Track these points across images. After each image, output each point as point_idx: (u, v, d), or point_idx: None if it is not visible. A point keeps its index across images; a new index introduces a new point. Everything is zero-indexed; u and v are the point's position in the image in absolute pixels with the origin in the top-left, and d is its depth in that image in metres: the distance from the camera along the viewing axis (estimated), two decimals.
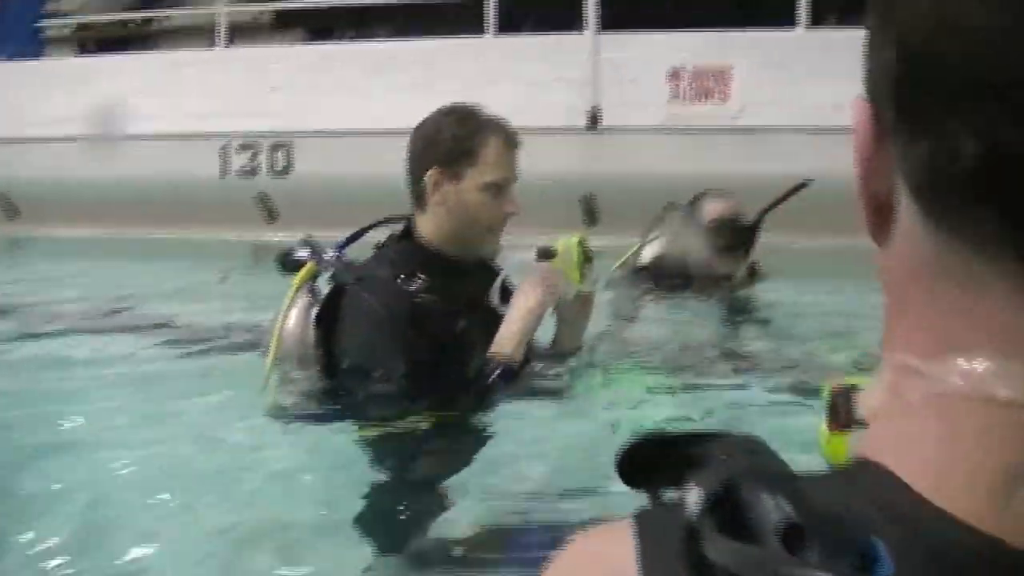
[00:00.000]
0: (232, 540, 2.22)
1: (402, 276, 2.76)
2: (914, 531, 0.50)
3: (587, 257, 2.98)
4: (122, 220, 7.63)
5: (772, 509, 0.49)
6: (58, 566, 2.07)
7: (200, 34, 9.30)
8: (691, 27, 7.18)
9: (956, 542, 0.50)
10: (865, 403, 0.61)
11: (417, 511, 2.38)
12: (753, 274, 4.62)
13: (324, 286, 2.91)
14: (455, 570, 2.12)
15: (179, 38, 9.73)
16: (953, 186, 0.53)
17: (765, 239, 4.50)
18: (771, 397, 3.14)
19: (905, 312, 0.59)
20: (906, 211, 0.57)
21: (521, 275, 2.90)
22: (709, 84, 7.27)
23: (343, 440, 2.74)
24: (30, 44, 9.67)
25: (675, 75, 7.29)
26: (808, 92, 6.92)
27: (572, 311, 3.03)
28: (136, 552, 2.17)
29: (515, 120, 2.89)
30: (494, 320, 2.79)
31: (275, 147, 7.88)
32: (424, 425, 2.70)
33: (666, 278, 4.53)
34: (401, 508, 2.41)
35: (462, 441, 2.71)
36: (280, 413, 2.85)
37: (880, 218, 0.59)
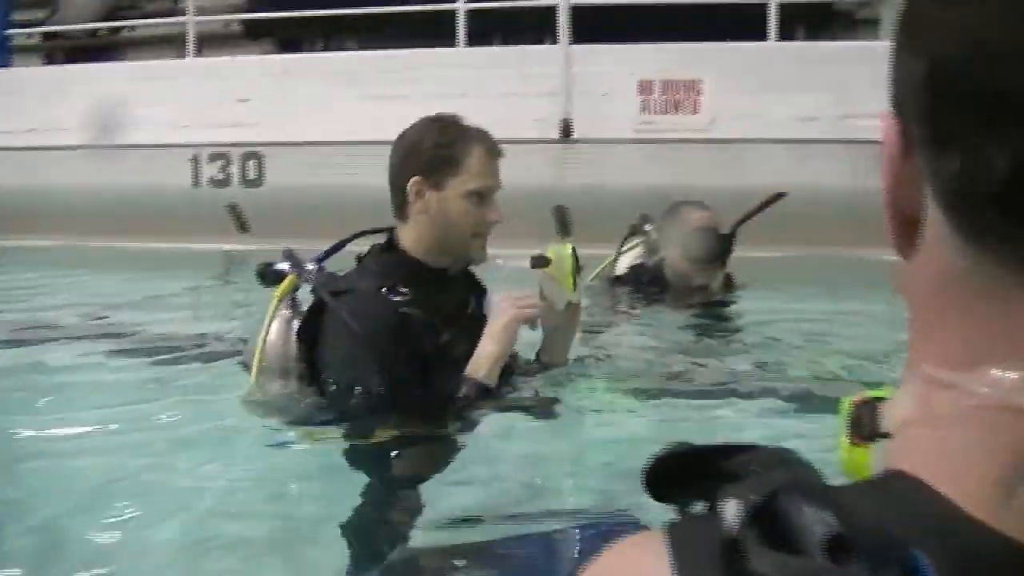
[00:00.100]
0: (203, 549, 2.22)
1: (385, 288, 2.76)
2: (952, 542, 0.51)
3: (578, 266, 3.00)
4: (93, 230, 7.56)
5: (815, 521, 0.49)
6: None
7: (169, 44, 9.25)
8: (661, 40, 7.21)
9: (994, 552, 0.51)
10: (891, 415, 0.61)
11: (394, 523, 2.38)
12: (729, 284, 4.64)
13: (304, 298, 2.92)
14: None
15: (148, 48, 9.67)
16: (984, 201, 0.53)
17: (740, 250, 4.53)
18: (748, 406, 3.16)
19: (933, 325, 0.59)
20: (934, 224, 0.58)
21: (514, 283, 2.92)
22: (679, 96, 7.30)
23: (324, 452, 2.74)
24: None
25: (646, 87, 7.32)
26: (778, 104, 6.98)
27: (561, 321, 3.04)
28: (102, 561, 2.16)
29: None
30: (478, 331, 2.80)
31: (247, 157, 7.84)
32: (404, 439, 2.71)
33: (642, 288, 4.55)
34: (378, 520, 2.41)
35: (440, 455, 2.70)
36: (262, 424, 2.84)
37: (906, 231, 0.60)
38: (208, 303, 6.19)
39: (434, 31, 7.83)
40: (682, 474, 0.59)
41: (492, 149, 2.85)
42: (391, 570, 2.18)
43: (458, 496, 2.48)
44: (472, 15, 7.71)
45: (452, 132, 2.82)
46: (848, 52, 7.34)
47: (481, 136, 2.85)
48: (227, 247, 7.56)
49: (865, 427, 0.64)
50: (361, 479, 2.58)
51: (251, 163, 7.86)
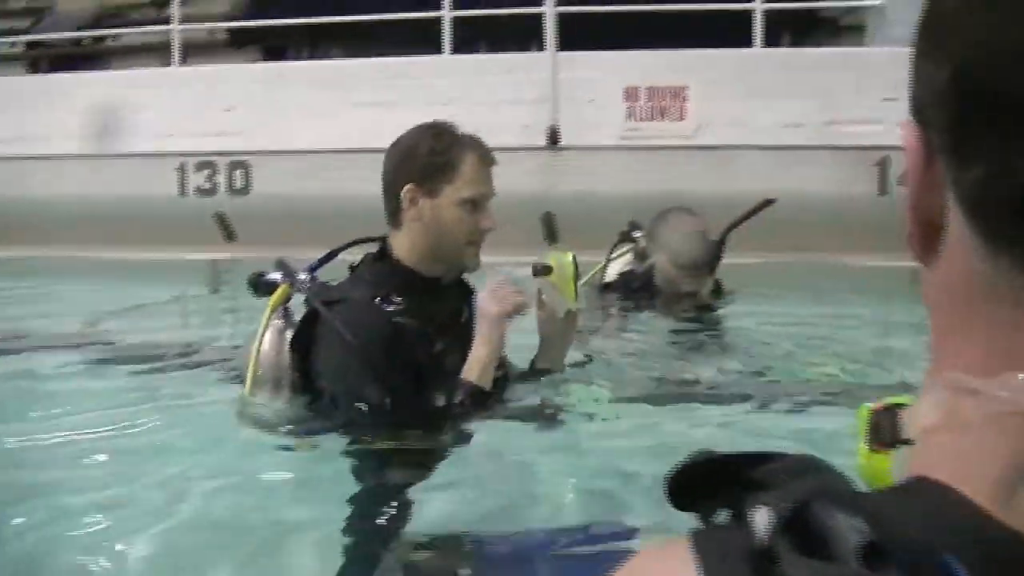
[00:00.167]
0: (189, 558, 2.22)
1: (378, 298, 2.76)
2: (984, 548, 0.51)
3: (577, 274, 3.01)
4: (79, 240, 7.54)
5: (848, 528, 0.49)
6: None
7: (154, 53, 9.23)
8: (648, 46, 7.24)
9: None
10: (913, 422, 0.61)
11: (384, 533, 2.38)
12: (718, 290, 4.66)
13: (297, 308, 2.92)
14: None
15: (133, 57, 9.65)
16: (1007, 208, 0.54)
17: (728, 256, 4.54)
18: (740, 411, 3.17)
19: (956, 331, 0.59)
20: (956, 231, 0.57)
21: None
22: (665, 103, 7.33)
23: (315, 461, 2.74)
24: None
25: (632, 94, 7.34)
26: (763, 111, 7.01)
27: (559, 329, 3.05)
28: (86, 568, 2.16)
29: None
30: (471, 339, 2.80)
31: (233, 166, 7.83)
32: (397, 448, 2.71)
33: (631, 295, 4.56)
34: (368, 530, 2.41)
35: (433, 465, 2.70)
36: (254, 433, 2.84)
37: (929, 237, 0.60)
38: (195, 311, 6.18)
39: (420, 38, 7.85)
40: (705, 482, 0.59)
41: (486, 157, 2.85)
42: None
43: (451, 506, 2.48)
44: (457, 22, 7.73)
45: (446, 139, 2.82)
46: (833, 59, 7.39)
47: (475, 144, 2.85)
48: (214, 256, 7.55)
49: (885, 434, 0.63)
50: (352, 488, 2.57)
51: (238, 172, 7.85)
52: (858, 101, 6.91)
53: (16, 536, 2.29)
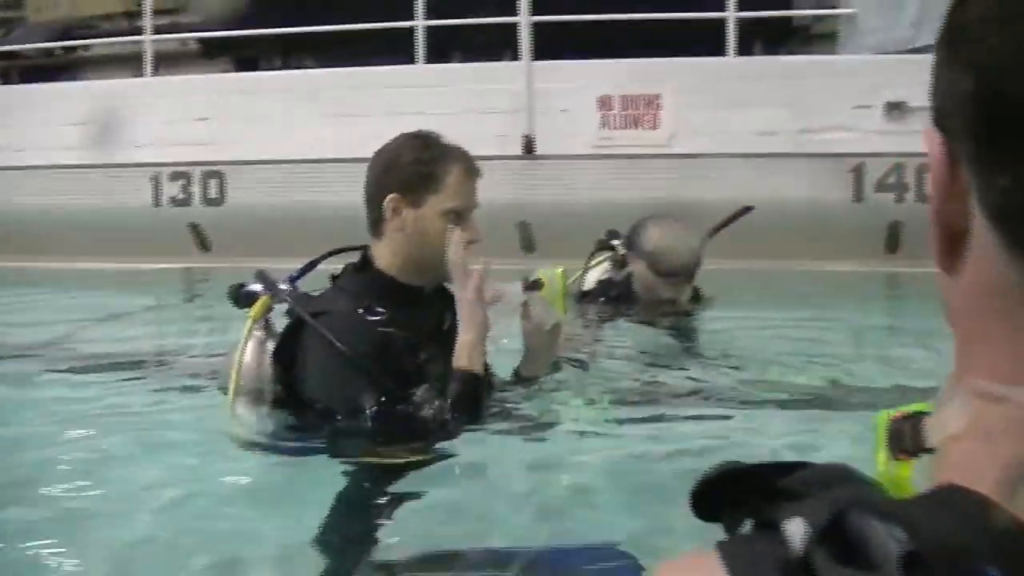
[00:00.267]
0: (159, 567, 2.20)
1: (362, 309, 2.74)
2: (1020, 556, 0.51)
3: (566, 288, 3.04)
4: (53, 250, 7.49)
5: (887, 538, 0.49)
6: None
7: (126, 63, 9.18)
8: (621, 55, 7.27)
9: None
10: (936, 429, 0.61)
11: (361, 548, 2.36)
12: (696, 298, 4.67)
13: (277, 319, 2.90)
14: None
15: (105, 67, 9.59)
16: None
17: (706, 263, 4.56)
18: (718, 417, 3.18)
19: (982, 337, 0.59)
20: (981, 238, 0.57)
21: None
22: (639, 112, 7.35)
23: (296, 474, 2.72)
24: None
25: (605, 103, 7.36)
26: (737, 119, 7.05)
27: (544, 340, 3.05)
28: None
29: None
30: (454, 346, 2.79)
31: (207, 176, 7.80)
32: (380, 463, 2.69)
33: (610, 302, 4.57)
34: (353, 540, 2.39)
35: (415, 477, 2.69)
36: (236, 446, 2.83)
37: (952, 245, 0.60)
38: (169, 320, 6.14)
39: (394, 48, 7.84)
40: (731, 492, 0.58)
41: (471, 168, 2.84)
42: None
43: (431, 525, 2.45)
44: (430, 32, 7.73)
45: (432, 150, 2.80)
46: (805, 67, 7.44)
47: (460, 155, 2.83)
48: (188, 265, 7.53)
49: (907, 442, 0.62)
50: (331, 504, 2.52)
51: (212, 182, 7.82)
52: (831, 108, 6.96)
53: None
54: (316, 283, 2.93)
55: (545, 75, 7.35)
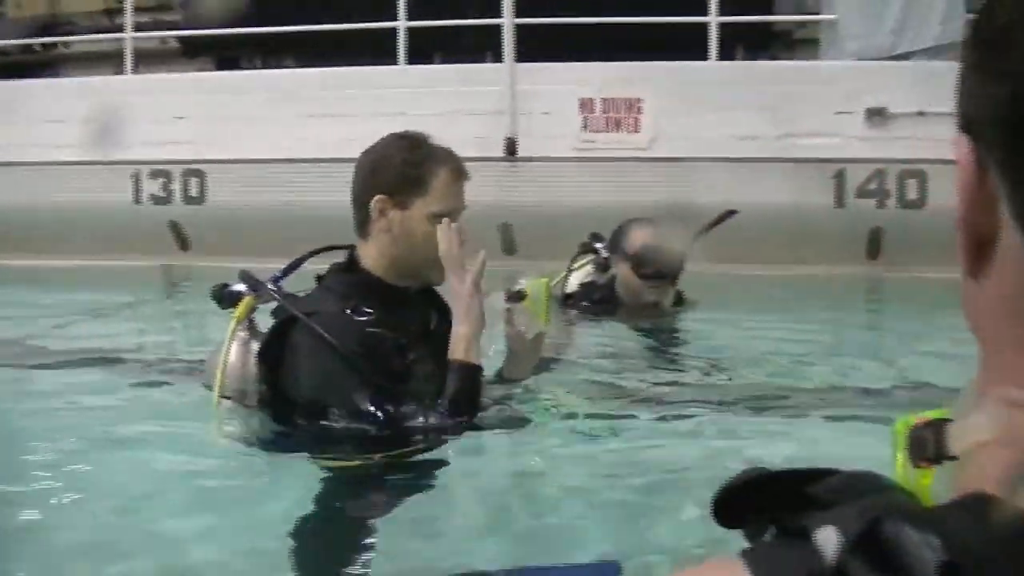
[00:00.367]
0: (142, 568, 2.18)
1: (349, 309, 2.73)
2: None
3: (550, 297, 3.06)
4: (32, 247, 7.44)
5: (923, 546, 0.48)
6: None
7: (106, 61, 9.13)
8: (603, 58, 7.28)
9: None
10: (961, 437, 0.59)
11: (355, 546, 2.36)
12: (680, 301, 4.68)
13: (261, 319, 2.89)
14: None
15: (85, 65, 9.53)
16: None
17: (689, 266, 4.57)
18: (702, 420, 3.19)
19: (1010, 345, 0.58)
20: (1010, 246, 0.57)
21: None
22: (620, 115, 7.36)
23: (280, 476, 2.70)
24: None
25: (587, 105, 7.37)
26: (718, 123, 7.06)
27: (528, 346, 3.06)
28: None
29: None
30: (442, 347, 2.78)
31: (188, 175, 7.77)
32: (375, 461, 2.68)
33: (593, 305, 4.57)
34: (339, 544, 2.38)
35: (408, 477, 2.68)
36: (219, 446, 2.81)
37: (979, 253, 0.59)
38: (146, 317, 6.11)
39: (375, 48, 7.82)
40: (754, 500, 0.58)
41: (459, 171, 2.83)
42: None
43: (417, 538, 2.44)
44: (412, 33, 7.72)
45: (420, 152, 2.80)
46: (787, 72, 7.47)
47: (448, 157, 2.83)
48: (168, 263, 7.52)
49: (929, 449, 0.61)
50: (312, 509, 2.50)
51: (193, 180, 7.78)
52: (812, 114, 7.00)
53: None
54: (300, 284, 2.92)
55: (527, 77, 7.36)
